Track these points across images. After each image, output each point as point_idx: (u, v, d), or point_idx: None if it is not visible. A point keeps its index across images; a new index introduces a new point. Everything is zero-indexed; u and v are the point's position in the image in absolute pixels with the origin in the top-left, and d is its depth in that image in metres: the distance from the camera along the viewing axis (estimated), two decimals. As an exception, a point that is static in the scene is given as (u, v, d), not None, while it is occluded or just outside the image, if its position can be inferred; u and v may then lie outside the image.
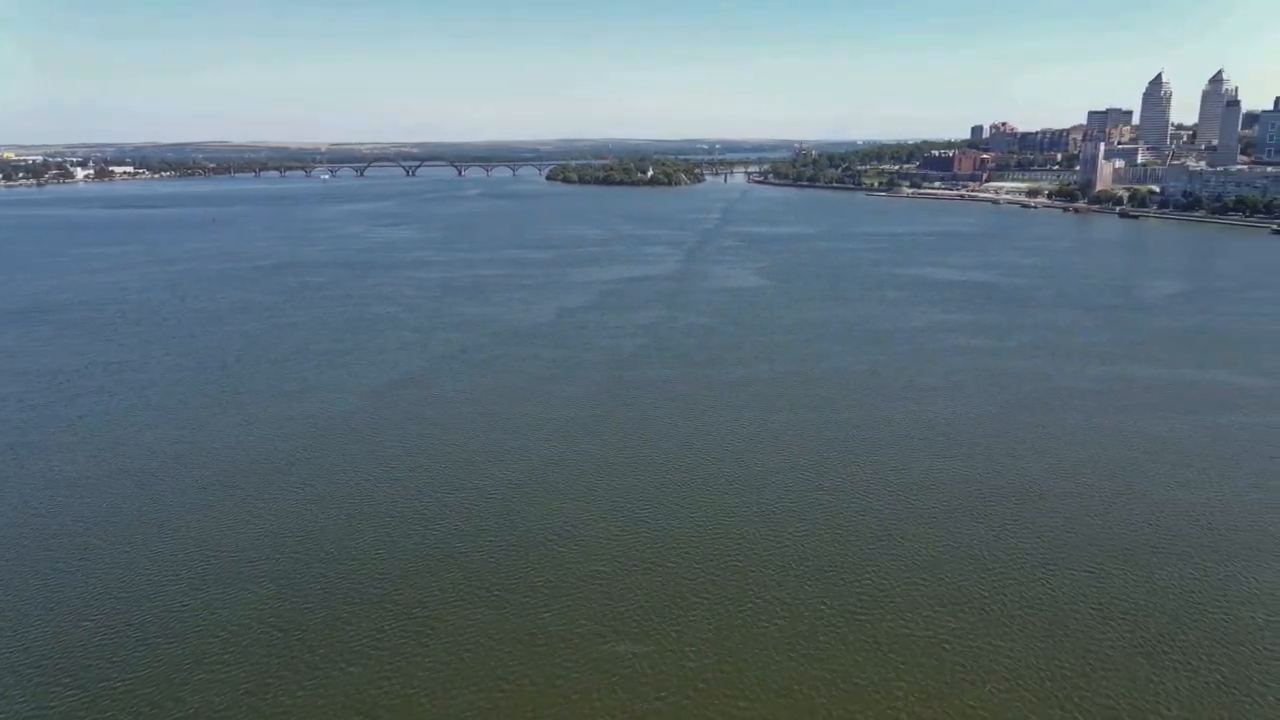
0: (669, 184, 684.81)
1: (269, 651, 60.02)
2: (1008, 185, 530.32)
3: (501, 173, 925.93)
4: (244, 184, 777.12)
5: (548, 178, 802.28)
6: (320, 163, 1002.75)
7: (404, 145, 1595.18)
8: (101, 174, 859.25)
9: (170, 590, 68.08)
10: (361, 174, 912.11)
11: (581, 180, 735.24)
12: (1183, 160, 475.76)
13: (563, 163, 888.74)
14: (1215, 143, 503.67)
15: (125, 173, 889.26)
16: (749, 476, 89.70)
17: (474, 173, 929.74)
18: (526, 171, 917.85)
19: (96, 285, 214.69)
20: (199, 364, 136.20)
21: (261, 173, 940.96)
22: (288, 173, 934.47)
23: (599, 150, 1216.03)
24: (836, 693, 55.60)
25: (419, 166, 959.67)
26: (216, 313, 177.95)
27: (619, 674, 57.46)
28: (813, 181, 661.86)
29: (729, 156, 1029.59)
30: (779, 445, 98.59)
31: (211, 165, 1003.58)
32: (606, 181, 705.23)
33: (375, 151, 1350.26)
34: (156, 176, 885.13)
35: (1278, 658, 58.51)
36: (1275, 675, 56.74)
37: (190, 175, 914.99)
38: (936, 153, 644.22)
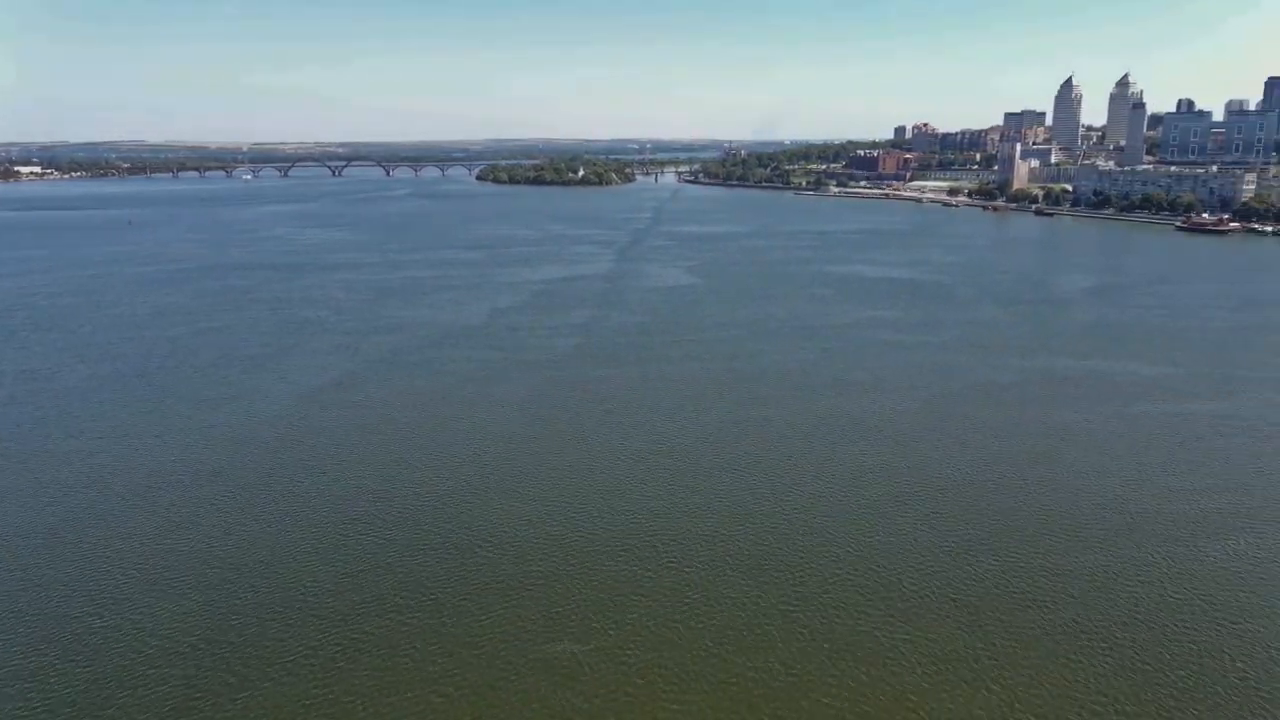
0: (600, 184, 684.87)
1: (195, 666, 58.47)
2: (930, 184, 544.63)
3: (430, 173, 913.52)
4: (162, 184, 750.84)
5: (478, 178, 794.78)
6: (242, 162, 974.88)
7: (329, 145, 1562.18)
8: (6, 174, 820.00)
9: (89, 607, 65.72)
10: (285, 174, 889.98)
11: (512, 180, 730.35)
12: (1093, 160, 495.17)
13: (493, 163, 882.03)
14: (1123, 143, 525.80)
15: (32, 173, 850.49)
16: (683, 475, 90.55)
17: (402, 173, 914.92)
18: (456, 171, 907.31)
19: (1, 291, 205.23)
20: (117, 371, 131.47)
21: (180, 173, 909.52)
22: (208, 173, 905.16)
23: (529, 150, 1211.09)
24: (773, 684, 56.63)
25: (345, 166, 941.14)
26: (135, 318, 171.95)
27: (558, 674, 57.57)
28: (742, 181, 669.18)
29: (659, 156, 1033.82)
30: (712, 443, 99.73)
31: (126, 165, 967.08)
32: (537, 181, 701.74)
33: (300, 151, 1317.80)
34: (67, 177, 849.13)
35: (1186, 635, 61.60)
36: (1184, 652, 59.70)
37: (103, 176, 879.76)
38: (862, 152, 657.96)
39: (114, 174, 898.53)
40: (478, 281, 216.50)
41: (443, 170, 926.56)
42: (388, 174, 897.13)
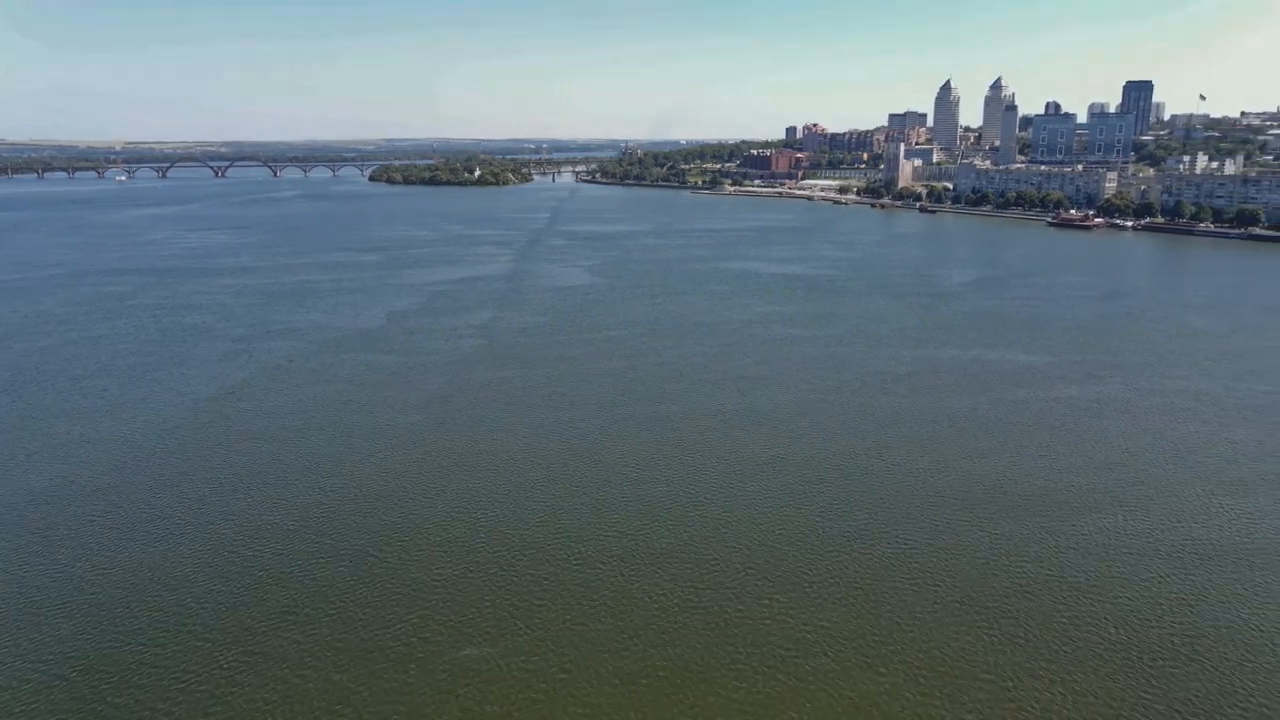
0: (497, 184, 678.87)
1: (81, 694, 55.60)
2: (821, 183, 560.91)
3: (321, 173, 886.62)
4: (25, 186, 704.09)
5: (371, 178, 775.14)
6: (115, 162, 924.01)
7: (211, 144, 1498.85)
8: None
9: (-38, 637, 61.74)
10: (164, 175, 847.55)
11: (406, 181, 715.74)
12: (971, 160, 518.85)
13: (386, 163, 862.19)
14: (997, 143, 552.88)
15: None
16: (586, 473, 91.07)
17: (291, 173, 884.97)
18: (348, 172, 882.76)
19: None
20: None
21: (45, 174, 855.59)
22: (77, 173, 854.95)
23: (423, 150, 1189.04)
24: (682, 675, 57.70)
25: (229, 167, 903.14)
26: (1, 329, 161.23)
27: (466, 679, 57.23)
28: (639, 180, 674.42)
29: (556, 156, 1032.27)
30: (617, 441, 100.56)
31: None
32: (432, 182, 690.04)
33: (179, 150, 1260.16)
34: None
35: (1065, 606, 65.71)
36: (1063, 623, 63.65)
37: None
38: (755, 152, 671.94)
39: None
40: (374, 284, 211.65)
41: (334, 171, 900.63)
42: (275, 175, 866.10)
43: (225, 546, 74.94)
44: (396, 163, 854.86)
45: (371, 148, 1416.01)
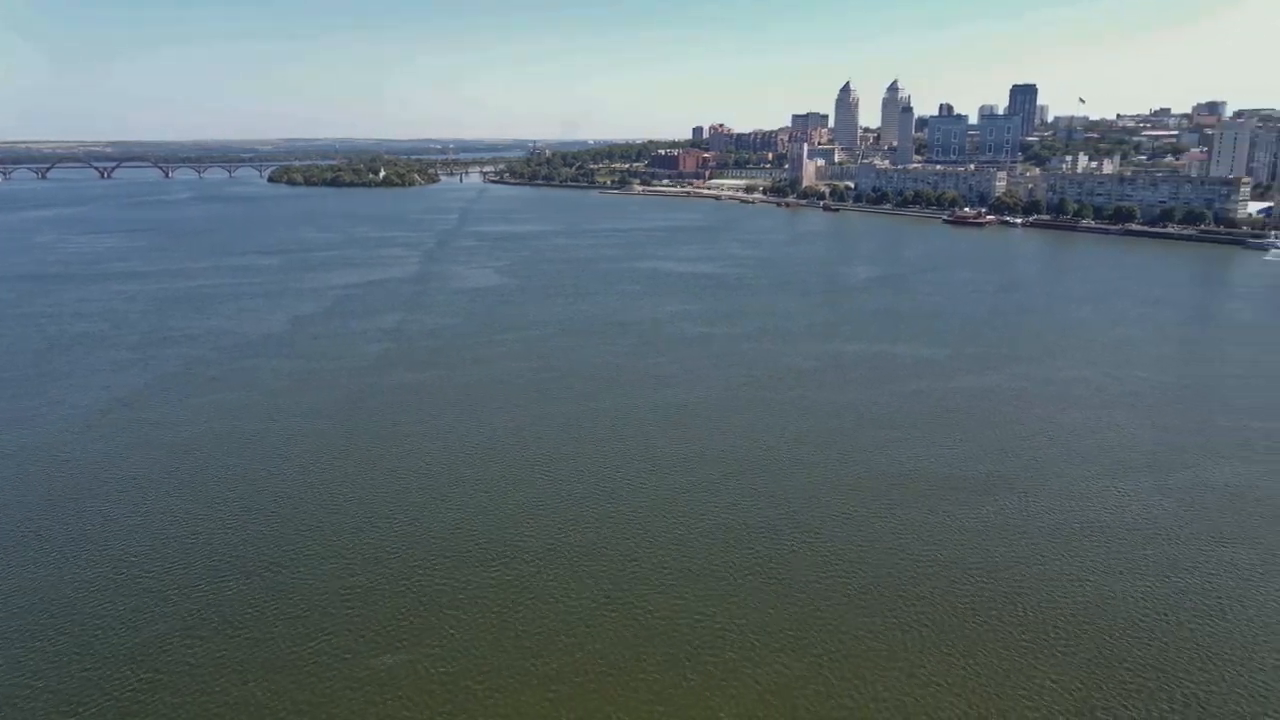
0: (403, 185, 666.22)
1: (-26, 722, 53.05)
2: (728, 182, 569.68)
3: (216, 174, 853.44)
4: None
5: (270, 179, 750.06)
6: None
7: (95, 144, 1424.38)
8: None
9: None
10: (44, 176, 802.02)
11: (308, 182, 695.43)
12: (871, 160, 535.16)
13: (286, 164, 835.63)
14: (895, 144, 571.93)
15: None
16: (500, 476, 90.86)
17: (184, 174, 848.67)
18: (245, 173, 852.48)
19: None
20: None
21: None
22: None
23: (325, 150, 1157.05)
24: (599, 674, 58.38)
25: (116, 168, 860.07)
26: None
27: (384, 687, 56.65)
28: (548, 180, 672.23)
29: (463, 156, 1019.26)
30: (528, 440, 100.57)
31: None
32: (335, 183, 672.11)
33: (61, 150, 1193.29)
34: None
35: (963, 588, 69.03)
36: (961, 604, 66.88)
37: None
38: (663, 152, 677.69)
39: None
40: (277, 289, 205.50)
41: (230, 171, 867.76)
42: (166, 176, 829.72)
43: (123, 564, 72.13)
44: (297, 163, 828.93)
45: (270, 148, 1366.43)
